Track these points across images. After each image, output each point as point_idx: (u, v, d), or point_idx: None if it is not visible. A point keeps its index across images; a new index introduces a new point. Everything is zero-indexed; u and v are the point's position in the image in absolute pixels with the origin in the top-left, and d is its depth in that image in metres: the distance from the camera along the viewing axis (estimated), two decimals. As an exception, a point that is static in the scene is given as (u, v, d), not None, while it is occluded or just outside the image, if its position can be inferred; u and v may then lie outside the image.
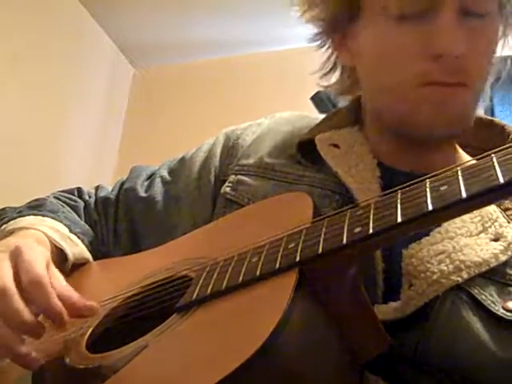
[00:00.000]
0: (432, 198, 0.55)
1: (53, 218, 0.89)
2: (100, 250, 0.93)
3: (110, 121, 3.10)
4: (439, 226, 0.70)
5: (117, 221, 0.95)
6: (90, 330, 0.71)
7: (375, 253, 0.69)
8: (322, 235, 0.59)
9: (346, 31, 0.83)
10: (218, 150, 0.93)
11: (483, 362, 0.63)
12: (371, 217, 0.58)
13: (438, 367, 0.64)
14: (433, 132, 0.77)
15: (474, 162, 0.58)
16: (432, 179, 0.58)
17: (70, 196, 0.99)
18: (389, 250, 0.70)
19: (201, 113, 2.84)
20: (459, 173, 0.56)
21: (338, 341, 0.59)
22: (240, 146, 0.92)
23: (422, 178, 0.59)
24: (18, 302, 0.66)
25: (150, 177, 0.98)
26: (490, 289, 0.67)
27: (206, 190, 0.90)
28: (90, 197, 1.00)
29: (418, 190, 0.58)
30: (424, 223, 0.58)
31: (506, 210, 0.72)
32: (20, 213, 0.89)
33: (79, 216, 0.96)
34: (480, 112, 0.85)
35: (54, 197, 0.98)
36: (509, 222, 0.71)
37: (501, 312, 0.65)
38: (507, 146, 0.57)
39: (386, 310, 0.66)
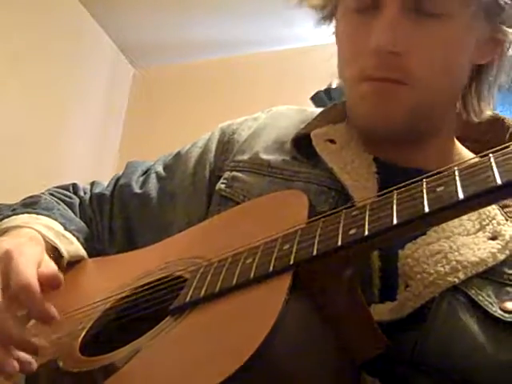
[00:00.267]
0: (429, 199, 0.54)
1: (47, 215, 0.89)
2: (95, 247, 0.93)
3: (110, 121, 3.10)
4: None
5: (112, 218, 0.94)
6: (84, 333, 0.71)
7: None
8: (317, 236, 0.59)
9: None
10: (214, 146, 0.92)
11: (480, 364, 0.63)
12: (367, 218, 0.57)
13: (436, 368, 0.63)
14: (374, 128, 0.77)
15: (471, 161, 0.57)
16: (429, 179, 0.57)
17: (66, 192, 0.99)
18: (385, 249, 0.69)
19: (201, 113, 2.84)
20: (456, 173, 0.55)
21: (335, 342, 0.59)
22: (236, 142, 0.90)
23: (419, 177, 0.58)
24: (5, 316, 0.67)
25: (146, 172, 0.96)
26: (488, 289, 0.66)
27: (201, 185, 0.89)
28: (85, 193, 0.99)
29: (414, 190, 0.57)
30: (420, 225, 0.57)
31: (504, 207, 0.71)
32: (14, 211, 0.88)
33: (74, 213, 0.95)
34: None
35: (49, 193, 0.97)
36: (507, 220, 0.70)
37: (498, 313, 0.64)
38: (506, 145, 0.56)
39: (382, 311, 0.65)
